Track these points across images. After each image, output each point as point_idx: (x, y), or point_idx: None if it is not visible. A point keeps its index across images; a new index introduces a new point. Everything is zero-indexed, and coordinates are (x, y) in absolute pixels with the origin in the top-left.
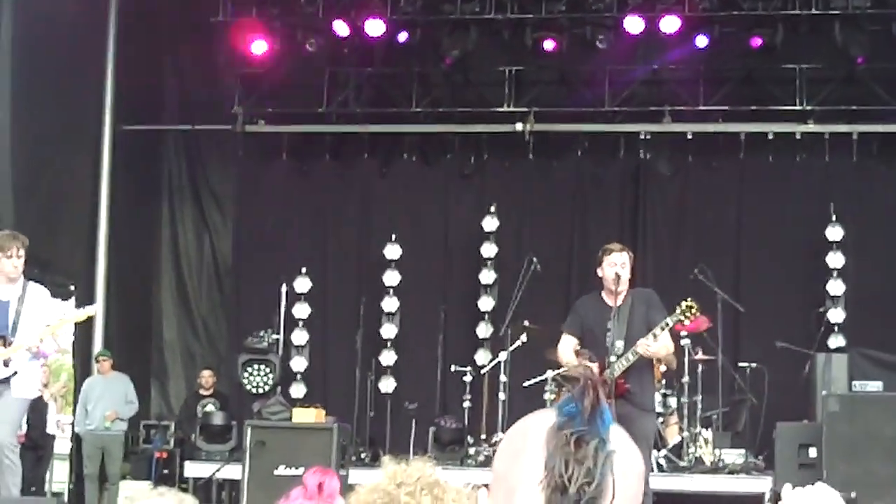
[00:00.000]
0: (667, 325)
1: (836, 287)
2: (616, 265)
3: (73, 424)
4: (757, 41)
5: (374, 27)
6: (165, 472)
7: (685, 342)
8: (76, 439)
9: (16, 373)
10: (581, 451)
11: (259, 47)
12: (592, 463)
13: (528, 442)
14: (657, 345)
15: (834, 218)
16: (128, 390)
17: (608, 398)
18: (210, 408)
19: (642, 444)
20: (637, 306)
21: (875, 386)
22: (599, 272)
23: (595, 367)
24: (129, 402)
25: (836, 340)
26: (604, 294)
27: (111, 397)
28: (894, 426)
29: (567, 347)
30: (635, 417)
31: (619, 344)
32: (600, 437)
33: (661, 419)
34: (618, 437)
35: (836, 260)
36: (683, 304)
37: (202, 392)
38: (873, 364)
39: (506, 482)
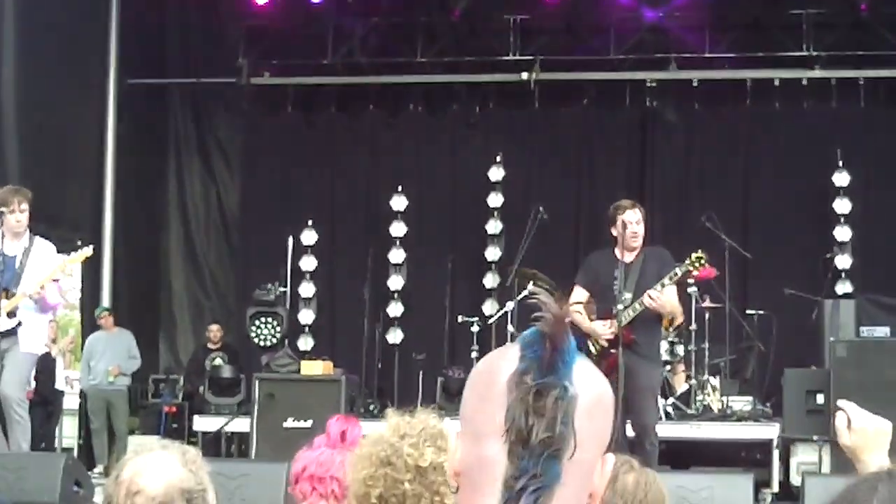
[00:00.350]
0: (675, 274)
1: (842, 233)
2: (632, 223)
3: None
4: None
5: None
6: (175, 426)
7: (692, 290)
8: (82, 395)
9: (20, 323)
10: (541, 401)
11: None
12: (553, 414)
13: (492, 387)
14: (663, 298)
15: (841, 164)
16: (130, 346)
17: (613, 348)
18: (218, 361)
19: (648, 395)
20: (650, 263)
21: (882, 331)
22: (613, 230)
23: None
24: (132, 358)
25: (843, 286)
26: (617, 250)
27: (114, 353)
28: None
29: (576, 300)
30: (641, 368)
31: (628, 296)
32: (562, 386)
33: (668, 367)
34: (582, 372)
35: (842, 206)
36: (693, 255)
37: (210, 346)
38: (881, 309)
39: (472, 427)
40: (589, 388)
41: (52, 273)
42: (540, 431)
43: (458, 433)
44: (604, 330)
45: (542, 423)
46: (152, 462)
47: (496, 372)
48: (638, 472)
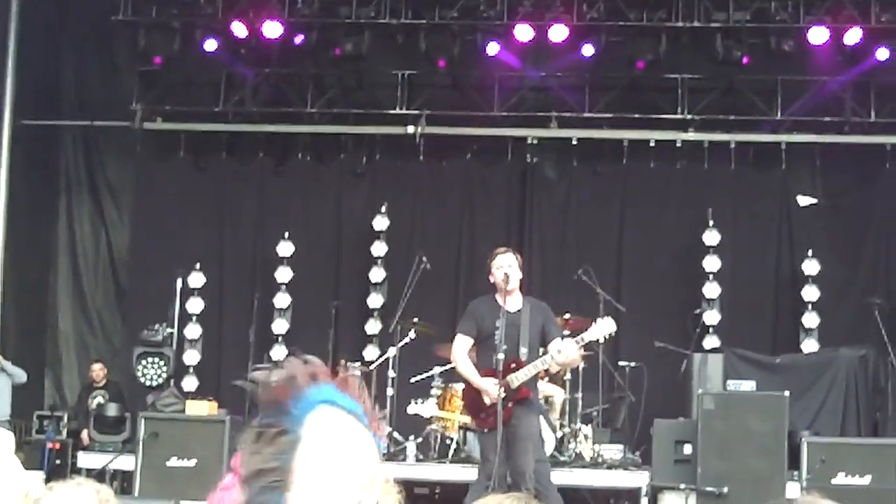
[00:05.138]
0: (582, 339)
1: (711, 290)
2: (503, 266)
3: None
4: (639, 59)
5: (272, 28)
6: (58, 462)
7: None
8: None
9: None
10: (258, 440)
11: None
12: (268, 450)
13: None
14: (572, 355)
15: (711, 223)
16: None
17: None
18: (100, 399)
19: (526, 442)
20: (535, 316)
21: (749, 385)
22: (491, 278)
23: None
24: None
25: (711, 341)
26: (497, 297)
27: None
28: (766, 424)
29: (462, 349)
30: (524, 418)
31: (524, 350)
32: (280, 428)
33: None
34: (318, 421)
35: (712, 263)
36: (603, 323)
37: (94, 384)
38: (747, 364)
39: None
40: (321, 433)
41: None
42: (255, 464)
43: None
44: (493, 389)
45: (258, 458)
46: (67, 499)
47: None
48: None
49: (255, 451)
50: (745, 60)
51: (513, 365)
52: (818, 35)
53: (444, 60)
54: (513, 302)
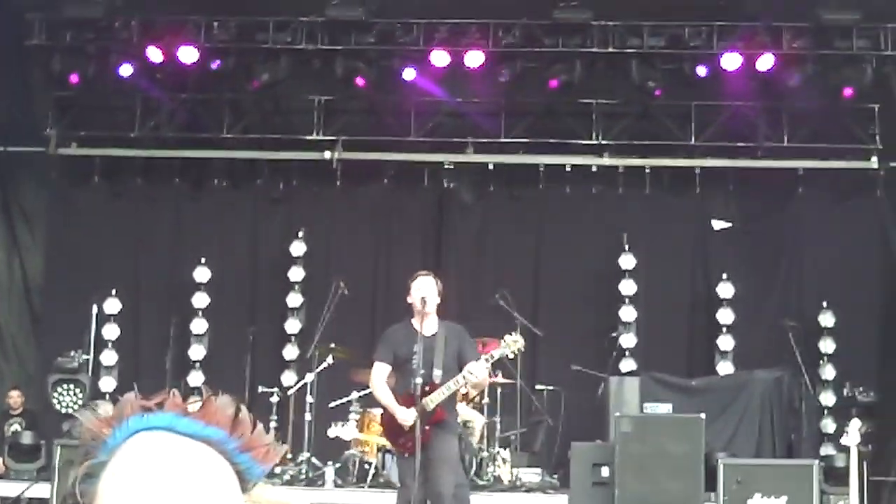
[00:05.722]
0: (492, 357)
1: (627, 313)
2: (421, 289)
3: None
4: (554, 83)
5: (188, 54)
6: None
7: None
8: None
9: None
10: (72, 469)
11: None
12: (78, 477)
13: None
14: (483, 375)
15: (627, 247)
16: None
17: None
18: (16, 427)
19: (443, 465)
20: (451, 340)
21: (665, 408)
22: (409, 299)
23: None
24: None
25: (627, 364)
26: (414, 321)
27: None
28: (683, 446)
29: (380, 376)
30: (440, 440)
31: (438, 373)
32: (93, 456)
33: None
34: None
35: (628, 287)
36: (509, 338)
37: (11, 412)
38: (663, 387)
39: None
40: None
41: None
42: (62, 491)
43: None
44: (407, 417)
45: (65, 484)
46: None
47: None
48: None
49: (65, 478)
50: (657, 93)
51: (427, 388)
52: (731, 61)
53: (361, 86)
54: (429, 326)
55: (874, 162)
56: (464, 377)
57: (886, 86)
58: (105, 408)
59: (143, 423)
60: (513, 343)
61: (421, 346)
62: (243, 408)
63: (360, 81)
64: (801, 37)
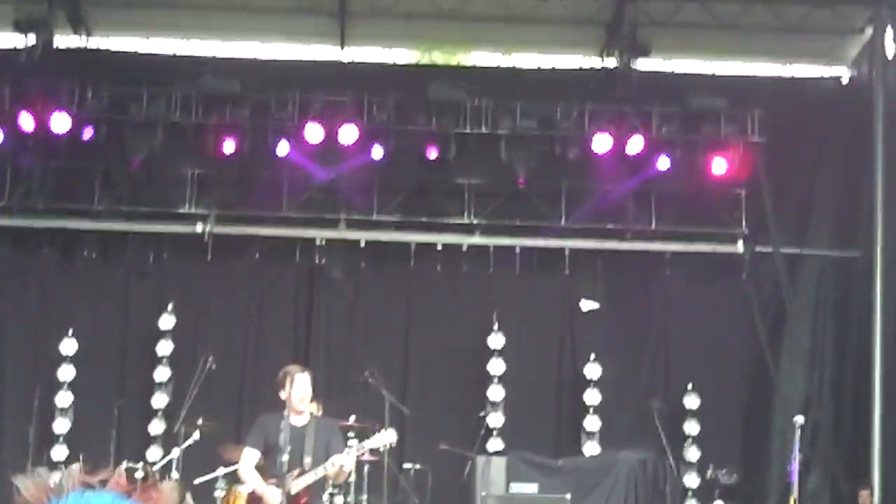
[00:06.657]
0: (363, 448)
1: (496, 392)
2: (298, 390)
3: None
4: (432, 152)
5: (60, 122)
6: None
7: (352, 442)
8: None
9: None
10: None
11: None
12: None
13: None
14: (349, 465)
15: (496, 326)
16: None
17: None
18: None
19: None
20: (321, 431)
21: (531, 488)
22: (283, 394)
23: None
24: None
25: (495, 443)
26: (286, 413)
27: None
28: None
29: (249, 462)
30: None
31: (308, 460)
32: None
33: None
34: None
35: (496, 366)
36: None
37: None
38: (529, 467)
39: None
40: None
41: None
42: None
43: None
44: (273, 497)
45: None
46: None
47: None
48: None
49: None
50: (520, 181)
51: (296, 472)
52: (602, 143)
53: (235, 159)
54: (302, 417)
55: (740, 246)
56: (331, 464)
57: (753, 171)
58: (44, 473)
59: (82, 502)
60: (386, 437)
61: (290, 435)
62: (188, 495)
63: (233, 155)
64: (669, 121)
